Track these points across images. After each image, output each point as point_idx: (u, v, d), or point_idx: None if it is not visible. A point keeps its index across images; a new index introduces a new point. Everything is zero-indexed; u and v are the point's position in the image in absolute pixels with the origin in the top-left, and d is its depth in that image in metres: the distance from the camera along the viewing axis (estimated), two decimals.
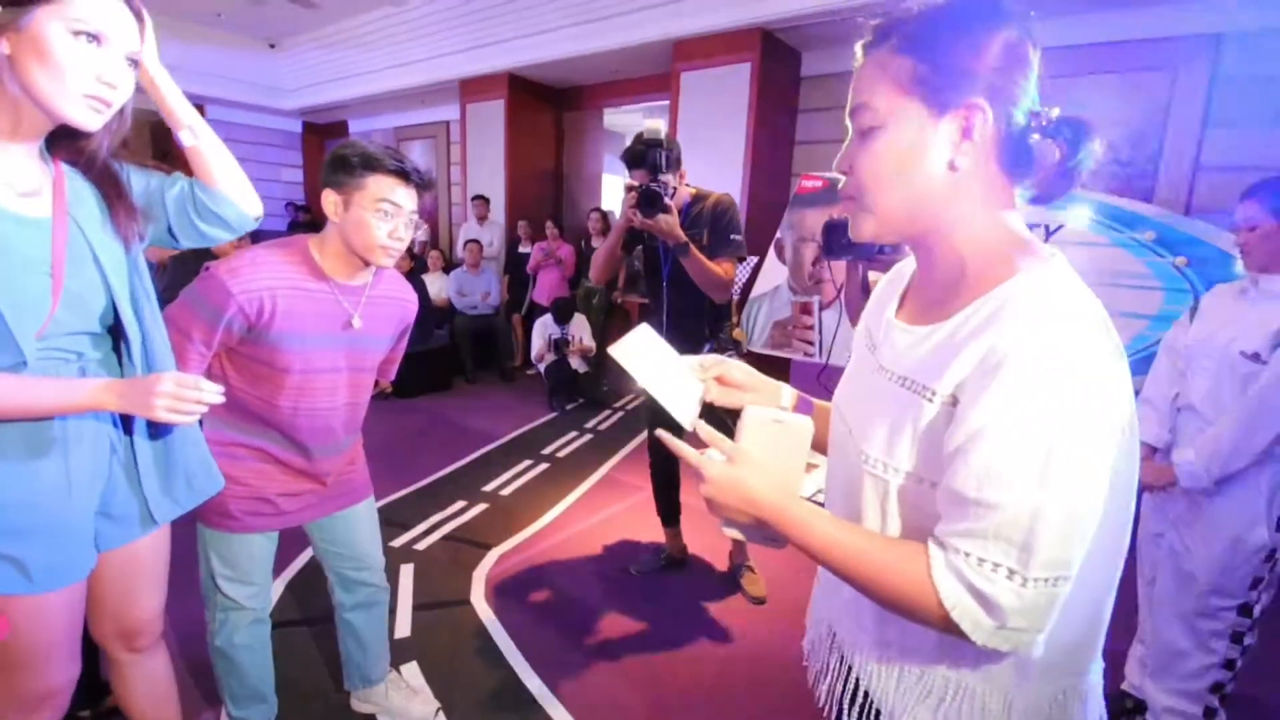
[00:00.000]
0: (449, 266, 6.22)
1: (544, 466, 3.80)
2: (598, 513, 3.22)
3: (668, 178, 2.10)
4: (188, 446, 1.26)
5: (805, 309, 3.98)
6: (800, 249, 3.98)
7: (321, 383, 1.45)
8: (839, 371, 0.85)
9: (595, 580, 2.60)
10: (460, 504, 3.22)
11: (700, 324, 2.34)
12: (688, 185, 2.30)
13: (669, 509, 2.66)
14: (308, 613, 2.25)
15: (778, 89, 4.63)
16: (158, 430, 1.19)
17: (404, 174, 1.32)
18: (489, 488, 3.45)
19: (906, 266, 0.79)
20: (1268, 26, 3.22)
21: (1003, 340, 0.56)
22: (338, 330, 1.43)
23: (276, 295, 1.33)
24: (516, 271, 6.20)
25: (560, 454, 4.02)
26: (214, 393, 1.06)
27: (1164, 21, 3.44)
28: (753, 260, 4.18)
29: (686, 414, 0.82)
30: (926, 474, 0.63)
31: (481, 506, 3.22)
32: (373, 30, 6.62)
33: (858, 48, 0.67)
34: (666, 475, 2.61)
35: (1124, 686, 1.95)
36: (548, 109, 6.52)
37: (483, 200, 6.33)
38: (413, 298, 1.59)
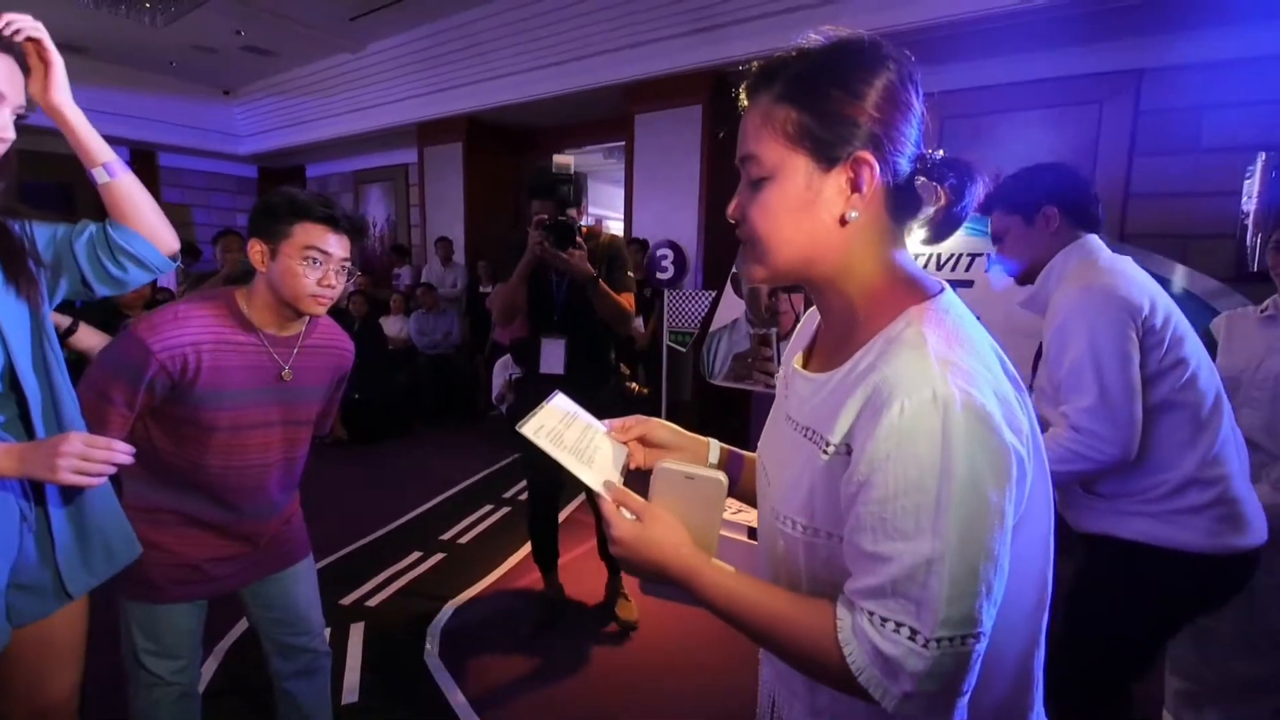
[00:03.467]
0: (409, 309, 6.14)
1: (505, 510, 3.70)
2: (560, 557, 3.12)
3: (572, 213, 2.11)
4: (105, 514, 1.18)
5: (764, 340, 4.01)
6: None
7: (253, 439, 1.39)
8: None
9: (553, 633, 2.50)
10: (416, 554, 3.12)
11: (601, 357, 2.35)
12: (584, 224, 2.31)
13: (546, 555, 2.56)
14: (244, 684, 2.12)
15: (730, 129, 4.72)
16: (71, 495, 1.11)
17: (333, 220, 1.29)
18: (447, 536, 3.34)
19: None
20: (1182, 64, 3.43)
21: (885, 383, 0.55)
22: (269, 383, 1.37)
23: (202, 351, 1.27)
24: (478, 312, 6.15)
25: (522, 497, 3.92)
26: (125, 453, 1.00)
27: (1090, 60, 3.63)
28: (711, 295, 4.22)
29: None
30: (834, 529, 0.60)
31: (438, 556, 3.12)
32: (329, 76, 6.63)
33: (742, 91, 0.66)
34: (543, 521, 2.51)
35: None
36: (506, 151, 6.57)
37: (446, 242, 6.31)
38: (349, 346, 1.54)
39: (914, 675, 0.52)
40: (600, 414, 0.82)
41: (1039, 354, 1.48)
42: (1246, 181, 3.28)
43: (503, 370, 5.01)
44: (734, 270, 4.13)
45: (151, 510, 1.38)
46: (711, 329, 4.21)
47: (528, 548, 3.17)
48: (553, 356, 2.28)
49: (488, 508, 3.72)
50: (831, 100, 0.59)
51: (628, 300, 2.23)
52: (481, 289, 6.14)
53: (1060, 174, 1.47)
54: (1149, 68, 3.53)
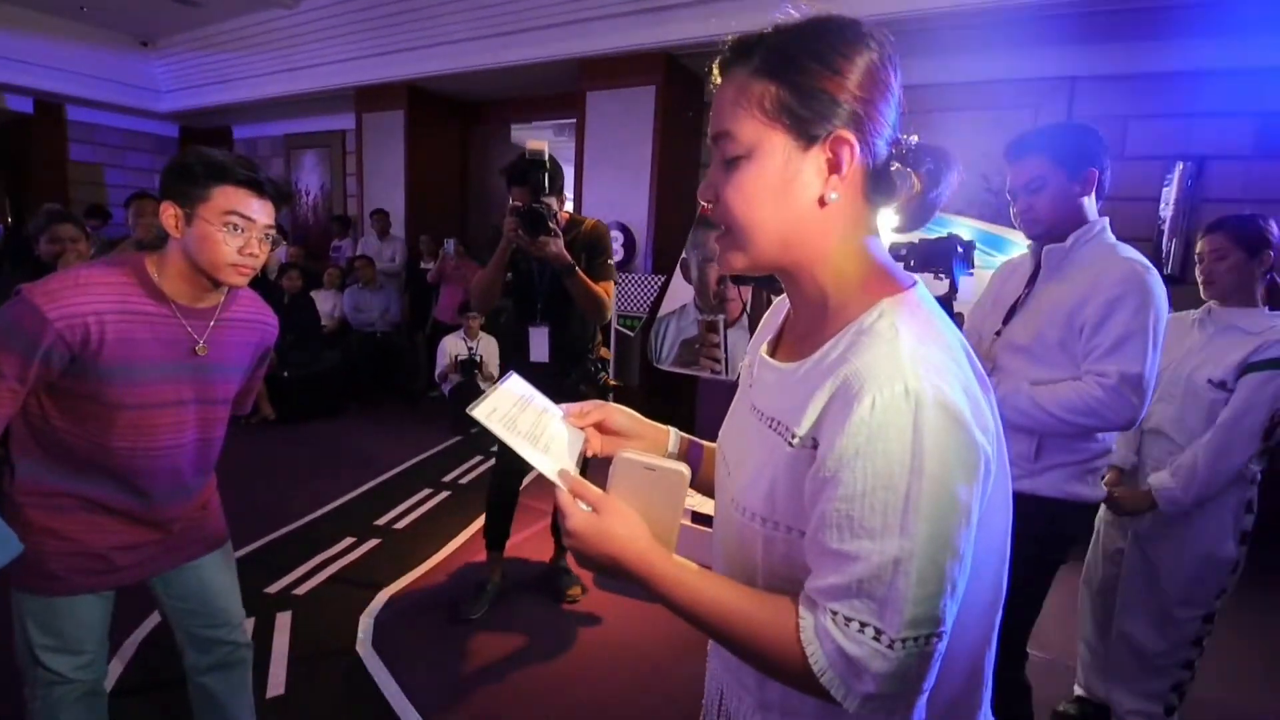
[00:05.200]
0: (344, 283, 5.88)
1: (444, 495, 3.61)
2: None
3: (550, 200, 2.09)
4: None
5: (712, 327, 4.03)
6: (705, 269, 4.03)
7: (164, 418, 1.28)
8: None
9: (495, 618, 2.46)
10: (349, 540, 3.00)
11: (579, 345, 2.36)
12: (565, 210, 2.31)
13: (499, 534, 2.53)
14: (157, 681, 1.98)
15: (682, 112, 4.70)
16: None
17: (256, 184, 1.19)
18: (382, 521, 3.23)
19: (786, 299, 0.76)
20: (1112, 74, 3.60)
21: (855, 375, 0.53)
22: (182, 358, 1.27)
23: (105, 321, 1.16)
24: (418, 288, 5.94)
25: (463, 480, 3.84)
26: None
27: (1026, 64, 3.75)
28: (660, 280, 4.20)
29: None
30: (795, 524, 0.59)
31: (373, 542, 3.00)
32: (261, 32, 6.20)
33: (715, 66, 0.63)
34: (506, 499, 2.50)
35: (1079, 692, 2.04)
36: (451, 122, 6.33)
37: (382, 214, 6.05)
38: (272, 320, 1.44)
39: (877, 676, 0.51)
40: (567, 400, 0.79)
41: (1011, 311, 1.55)
42: (1165, 189, 3.48)
43: (448, 349, 4.86)
44: (683, 255, 4.12)
45: (48, 495, 1.26)
46: (660, 314, 4.20)
47: (467, 533, 3.12)
48: (539, 344, 2.27)
49: (426, 492, 3.62)
50: (812, 75, 0.57)
51: (606, 289, 2.21)
52: (422, 265, 5.93)
53: (1103, 142, 1.48)
54: (1081, 75, 3.68)
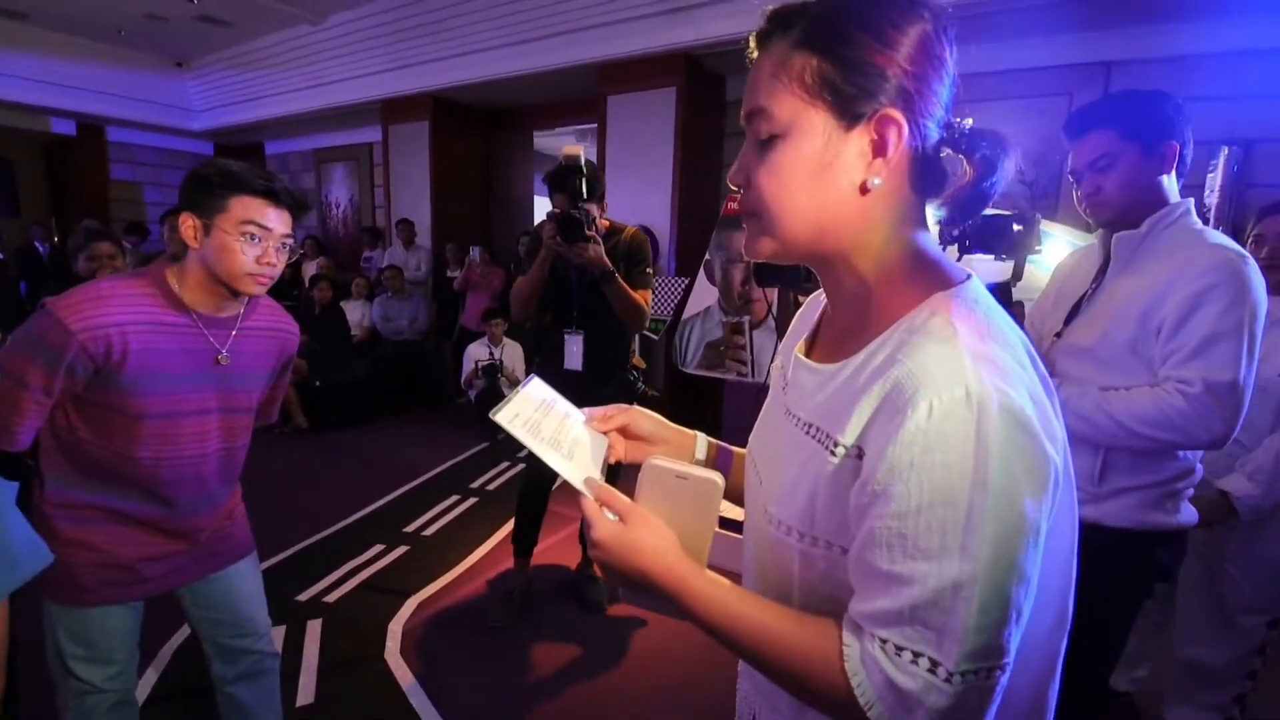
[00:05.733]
0: (372, 293, 5.96)
1: (472, 501, 3.61)
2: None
3: (590, 205, 2.07)
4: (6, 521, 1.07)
5: (737, 329, 3.97)
6: (729, 270, 3.98)
7: (188, 428, 1.29)
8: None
9: (522, 626, 2.44)
10: (378, 548, 3.01)
11: (615, 353, 2.34)
12: (605, 218, 2.30)
13: (527, 541, 2.51)
14: (189, 690, 2.00)
15: (703, 113, 4.67)
16: None
17: (272, 194, 1.19)
18: (411, 528, 3.24)
19: (821, 296, 0.71)
20: (1150, 57, 3.46)
21: (909, 378, 0.48)
22: (205, 368, 1.28)
23: (128, 332, 1.17)
24: (445, 296, 6.00)
25: (490, 486, 3.85)
26: None
27: (1061, 51, 3.64)
28: (684, 282, 4.16)
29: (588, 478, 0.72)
30: (836, 539, 0.54)
31: (402, 549, 3.02)
32: (289, 49, 6.35)
33: (751, 39, 0.58)
34: (535, 505, 2.47)
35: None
36: (474, 131, 6.39)
37: (407, 224, 6.12)
38: (293, 328, 1.44)
39: (931, 712, 0.46)
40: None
41: (1075, 309, 1.36)
42: (1209, 175, 3.33)
43: (473, 355, 4.88)
44: (707, 257, 4.08)
45: (76, 507, 1.27)
46: (684, 316, 4.16)
47: (495, 540, 3.11)
48: (573, 352, 2.26)
49: (454, 498, 3.63)
50: (858, 46, 0.52)
51: (644, 298, 2.20)
52: (449, 273, 5.98)
53: (1182, 110, 1.26)
54: (1116, 60, 3.55)
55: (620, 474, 0.75)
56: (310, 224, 7.95)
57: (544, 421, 0.68)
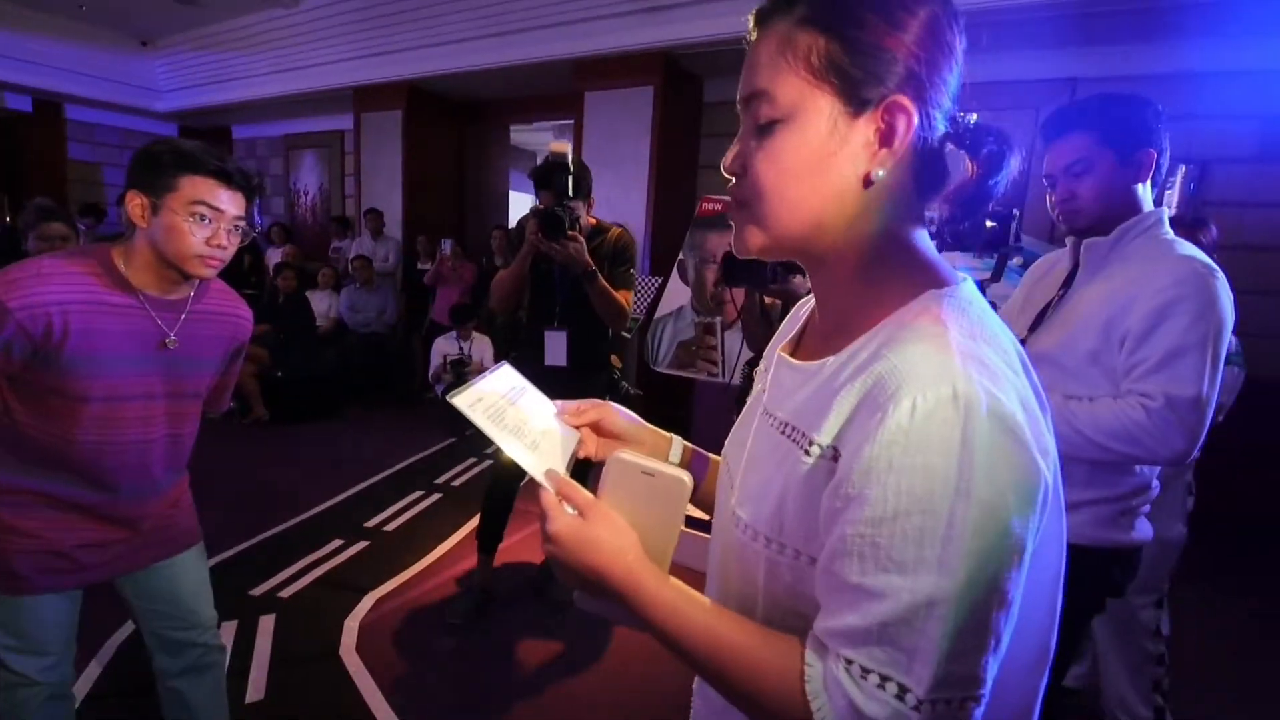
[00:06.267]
0: (339, 283, 5.85)
1: (436, 497, 3.56)
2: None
3: (575, 203, 2.08)
4: None
5: (708, 329, 3.98)
6: (702, 271, 3.99)
7: (132, 412, 1.25)
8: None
9: (482, 623, 2.41)
10: (337, 543, 2.94)
11: (597, 350, 2.33)
12: (592, 216, 2.30)
13: (491, 537, 2.47)
14: (132, 686, 1.92)
15: (680, 113, 4.68)
16: None
17: (225, 174, 1.16)
18: (372, 523, 3.18)
19: (810, 298, 0.68)
20: (1114, 75, 3.56)
21: (892, 374, 0.45)
22: (150, 351, 1.23)
23: (69, 311, 1.13)
24: (415, 289, 5.91)
25: (455, 483, 3.79)
26: None
27: (1028, 66, 3.72)
28: (657, 281, 4.16)
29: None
30: (805, 548, 0.51)
31: (361, 544, 2.96)
32: (261, 32, 6.19)
33: (751, 18, 0.54)
34: (502, 501, 2.44)
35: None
36: (449, 122, 6.30)
37: (376, 214, 6.02)
38: (246, 313, 1.40)
39: None
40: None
41: (1041, 315, 1.34)
42: (1167, 192, 3.44)
43: (441, 349, 4.82)
44: (680, 257, 4.08)
45: (11, 491, 1.22)
46: (657, 316, 4.16)
47: (458, 537, 3.07)
48: (555, 348, 2.24)
49: (418, 494, 3.57)
50: (869, 27, 0.49)
51: (625, 298, 2.20)
52: (420, 265, 5.90)
53: (1161, 117, 1.23)
54: (1082, 77, 3.65)
55: (590, 472, 0.73)
56: (277, 211, 7.77)
57: (509, 410, 0.65)
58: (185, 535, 1.43)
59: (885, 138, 0.50)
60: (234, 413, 4.46)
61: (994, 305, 1.71)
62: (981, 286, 1.45)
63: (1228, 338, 1.15)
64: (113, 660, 2.04)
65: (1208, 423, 1.13)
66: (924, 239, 0.55)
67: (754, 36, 0.54)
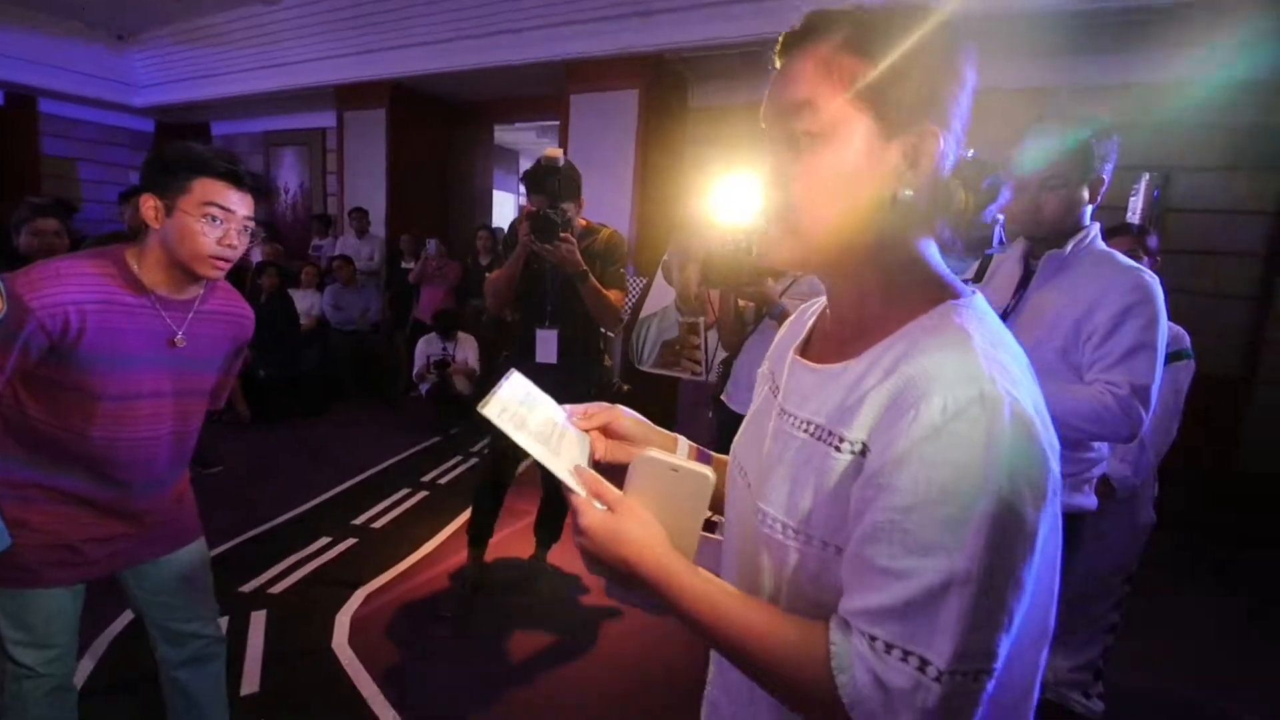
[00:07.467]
0: (322, 282, 5.82)
1: (423, 495, 3.59)
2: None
3: (566, 206, 2.12)
4: None
5: (693, 329, 4.06)
6: (686, 270, 4.06)
7: (143, 409, 1.28)
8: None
9: (472, 616, 2.45)
10: (325, 540, 2.97)
11: (588, 348, 2.38)
12: (583, 217, 2.35)
13: (482, 531, 2.54)
14: (128, 679, 1.95)
15: (665, 117, 4.74)
16: None
17: (235, 176, 1.20)
18: (359, 520, 3.21)
19: (812, 306, 0.73)
20: (1081, 85, 3.71)
21: (922, 375, 0.49)
22: (160, 350, 1.27)
23: (86, 311, 1.17)
24: (399, 288, 5.91)
25: (442, 481, 3.83)
26: None
27: (996, 75, 3.81)
28: (641, 281, 4.23)
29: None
30: (832, 538, 0.54)
31: (350, 541, 2.98)
32: (242, 27, 6.13)
33: (781, 41, 0.58)
34: (492, 497, 2.50)
35: None
36: (433, 121, 6.30)
37: (361, 213, 6.00)
38: (249, 314, 1.44)
39: (919, 712, 0.46)
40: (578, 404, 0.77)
41: (1002, 317, 1.45)
42: (1132, 198, 3.58)
43: (425, 349, 4.84)
44: (665, 257, 4.15)
45: (20, 486, 1.25)
46: (641, 315, 4.22)
47: (446, 533, 3.11)
48: (546, 347, 2.29)
49: (404, 491, 3.60)
50: (908, 59, 0.53)
51: (616, 297, 2.25)
52: (404, 265, 5.90)
53: (1116, 143, 1.42)
54: (1050, 86, 3.78)
55: (600, 473, 0.78)
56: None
57: (530, 416, 0.68)
58: (189, 530, 1.47)
59: (913, 160, 0.55)
60: (217, 409, 4.43)
61: None
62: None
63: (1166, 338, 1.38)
64: (105, 655, 2.06)
65: (1153, 409, 1.34)
66: (935, 253, 0.60)
67: (785, 56, 0.58)
